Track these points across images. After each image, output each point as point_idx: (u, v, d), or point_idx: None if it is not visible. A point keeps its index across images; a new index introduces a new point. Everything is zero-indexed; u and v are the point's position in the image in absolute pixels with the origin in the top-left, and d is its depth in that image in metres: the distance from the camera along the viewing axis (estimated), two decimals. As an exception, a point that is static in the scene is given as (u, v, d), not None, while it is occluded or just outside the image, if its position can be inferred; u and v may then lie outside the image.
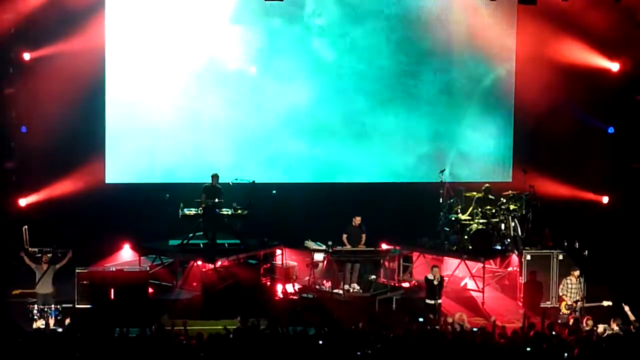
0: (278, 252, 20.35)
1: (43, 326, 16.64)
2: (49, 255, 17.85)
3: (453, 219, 20.03)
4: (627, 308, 16.19)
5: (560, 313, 17.46)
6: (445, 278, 18.47)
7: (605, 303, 17.16)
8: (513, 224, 20.04)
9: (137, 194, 21.28)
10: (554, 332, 14.94)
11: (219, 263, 19.03)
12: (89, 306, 17.96)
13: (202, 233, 19.66)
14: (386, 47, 22.06)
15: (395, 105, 22.24)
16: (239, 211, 19.34)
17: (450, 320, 16.37)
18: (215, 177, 19.93)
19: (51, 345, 13.66)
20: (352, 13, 21.93)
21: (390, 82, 22.15)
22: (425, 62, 22.19)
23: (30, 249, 20.15)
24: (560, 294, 17.70)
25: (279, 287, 19.68)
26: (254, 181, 19.69)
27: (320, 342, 13.94)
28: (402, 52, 22.11)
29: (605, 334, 15.13)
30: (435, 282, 17.69)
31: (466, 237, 19.80)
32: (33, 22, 20.47)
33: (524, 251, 19.51)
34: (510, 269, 20.31)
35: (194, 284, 19.48)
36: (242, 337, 14.23)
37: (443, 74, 22.29)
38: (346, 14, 21.94)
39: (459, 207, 20.14)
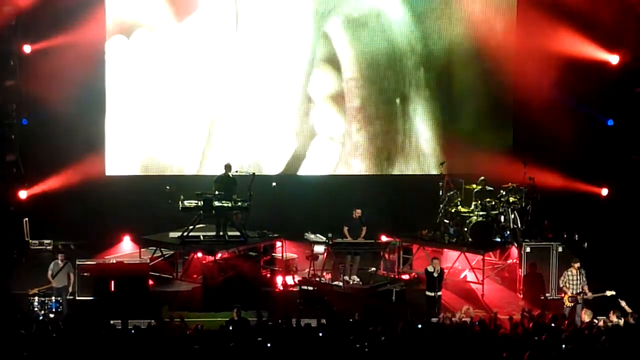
0: (278, 244, 20.36)
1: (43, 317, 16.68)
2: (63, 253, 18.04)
3: (453, 211, 20.04)
4: (623, 303, 16.16)
5: (564, 306, 17.43)
6: (445, 270, 18.48)
7: (609, 293, 17.08)
8: (513, 216, 20.04)
9: (138, 186, 21.33)
10: (553, 325, 14.98)
11: (219, 255, 19.06)
12: (89, 298, 17.99)
13: (202, 225, 19.68)
14: (385, 40, 22.05)
15: (395, 97, 22.24)
16: (239, 203, 19.34)
17: (457, 314, 16.34)
18: (228, 167, 19.74)
19: (51, 336, 13.72)
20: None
21: (389, 74, 22.14)
22: (425, 54, 22.18)
23: (31, 241, 20.28)
24: (561, 285, 17.66)
25: (279, 279, 19.71)
26: (254, 173, 19.71)
27: (320, 334, 14.00)
28: (402, 45, 22.10)
29: (605, 326, 15.14)
30: (435, 274, 17.72)
31: (466, 229, 19.82)
32: (34, 15, 20.50)
33: (523, 243, 19.52)
34: (509, 261, 20.34)
35: (194, 276, 19.48)
36: (238, 329, 14.30)
37: (442, 66, 22.28)
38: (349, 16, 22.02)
39: (459, 199, 20.14)
